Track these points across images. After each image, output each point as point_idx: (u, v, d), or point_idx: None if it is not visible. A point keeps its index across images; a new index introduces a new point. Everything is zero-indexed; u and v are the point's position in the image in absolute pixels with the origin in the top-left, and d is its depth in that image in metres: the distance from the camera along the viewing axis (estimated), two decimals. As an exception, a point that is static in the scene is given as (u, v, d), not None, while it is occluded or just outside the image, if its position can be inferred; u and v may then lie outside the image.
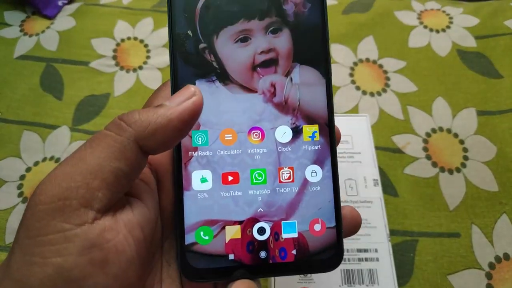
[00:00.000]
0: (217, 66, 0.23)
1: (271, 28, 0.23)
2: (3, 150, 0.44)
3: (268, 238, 0.22)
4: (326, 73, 0.23)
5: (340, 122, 0.22)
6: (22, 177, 0.42)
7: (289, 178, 0.23)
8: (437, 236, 0.39)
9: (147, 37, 0.53)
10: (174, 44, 0.22)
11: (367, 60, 0.51)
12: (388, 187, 0.41)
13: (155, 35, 0.53)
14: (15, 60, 0.51)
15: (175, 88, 0.22)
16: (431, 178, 0.42)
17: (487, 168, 0.42)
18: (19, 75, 0.50)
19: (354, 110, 0.46)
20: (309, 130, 0.23)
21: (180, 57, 0.22)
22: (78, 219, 0.16)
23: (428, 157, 0.43)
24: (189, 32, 0.23)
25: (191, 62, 0.22)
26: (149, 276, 0.21)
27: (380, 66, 0.50)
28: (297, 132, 0.23)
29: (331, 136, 0.23)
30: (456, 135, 0.44)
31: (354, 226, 0.23)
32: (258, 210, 0.23)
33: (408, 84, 0.48)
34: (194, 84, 0.22)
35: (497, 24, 0.52)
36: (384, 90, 0.48)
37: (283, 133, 0.23)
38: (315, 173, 0.23)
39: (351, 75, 0.49)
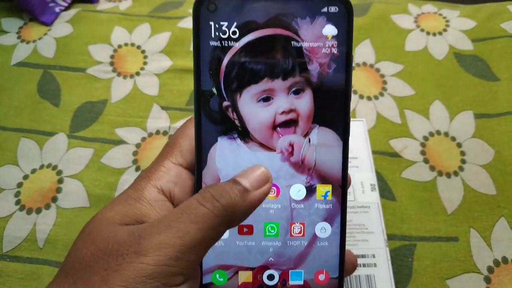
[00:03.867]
0: (238, 124, 0.24)
1: (293, 89, 0.23)
2: (0, 157, 0.44)
3: (276, 283, 0.25)
4: (344, 135, 0.24)
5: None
6: (20, 185, 0.42)
7: (300, 232, 0.24)
8: (435, 241, 0.39)
9: (144, 43, 0.53)
10: (199, 101, 0.23)
11: (364, 64, 0.51)
12: (386, 191, 0.41)
13: (152, 40, 0.53)
14: (13, 67, 0.51)
15: (199, 143, 0.23)
16: (429, 182, 0.42)
17: (485, 171, 0.42)
18: (16, 82, 0.50)
19: (351, 115, 0.46)
20: (322, 189, 0.24)
21: (205, 113, 0.23)
22: (172, 282, 0.19)
23: (426, 161, 0.43)
24: (214, 90, 0.23)
25: (215, 119, 0.23)
26: None
27: (377, 70, 0.50)
28: (311, 190, 0.24)
29: (343, 196, 0.24)
30: (453, 139, 0.44)
31: (352, 269, 0.26)
32: (269, 259, 0.25)
33: (405, 88, 0.48)
34: (216, 140, 0.24)
35: (494, 26, 0.52)
36: (381, 94, 0.48)
37: (298, 191, 0.24)
38: (324, 230, 0.25)
39: (348, 79, 0.49)
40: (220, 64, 0.23)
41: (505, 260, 0.37)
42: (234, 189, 0.21)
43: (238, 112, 0.23)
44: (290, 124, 0.24)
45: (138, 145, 0.45)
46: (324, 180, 0.24)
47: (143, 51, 0.52)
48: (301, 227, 0.24)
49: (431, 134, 0.45)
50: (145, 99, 0.48)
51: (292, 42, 0.23)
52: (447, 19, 0.54)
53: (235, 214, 0.21)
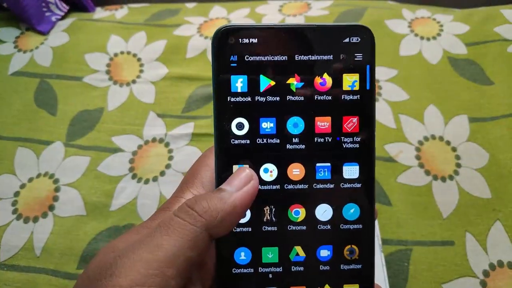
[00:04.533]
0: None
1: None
2: (-3, 166, 0.44)
3: None
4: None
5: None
6: (17, 194, 0.42)
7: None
8: (431, 245, 0.39)
9: (140, 51, 0.53)
10: (220, 133, 0.22)
11: (359, 69, 0.51)
12: (382, 196, 0.41)
13: (148, 48, 0.54)
14: (10, 77, 0.51)
15: (219, 173, 0.22)
16: (424, 187, 0.42)
17: (480, 175, 0.42)
18: (13, 92, 0.50)
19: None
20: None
21: (225, 145, 0.23)
22: None
23: (421, 165, 0.43)
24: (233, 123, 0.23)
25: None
26: None
27: (372, 75, 0.50)
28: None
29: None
30: (448, 143, 0.45)
31: None
32: None
33: (400, 93, 0.49)
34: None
35: (488, 31, 0.53)
36: (376, 99, 0.48)
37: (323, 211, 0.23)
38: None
39: (343, 84, 0.50)
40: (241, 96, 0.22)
41: (500, 264, 0.37)
42: (213, 196, 0.20)
43: None
44: None
45: (134, 153, 0.45)
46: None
47: (139, 59, 0.53)
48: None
49: (426, 138, 0.45)
50: (141, 107, 0.49)
51: (314, 76, 0.22)
52: (441, 23, 0.55)
53: (216, 219, 0.19)
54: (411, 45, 0.53)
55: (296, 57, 0.22)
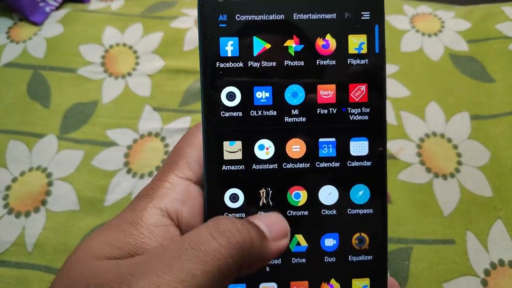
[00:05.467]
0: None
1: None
2: (-12, 160, 0.43)
3: None
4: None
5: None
6: (8, 188, 0.41)
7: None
8: (432, 243, 0.38)
9: (136, 43, 0.52)
10: (209, 104, 0.20)
11: (359, 65, 0.50)
12: (382, 193, 0.41)
13: (144, 41, 0.53)
14: (2, 68, 0.50)
15: (209, 152, 0.20)
16: (425, 184, 0.41)
17: (481, 173, 0.42)
18: (5, 83, 0.49)
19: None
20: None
21: (215, 118, 0.20)
22: None
23: (422, 163, 0.43)
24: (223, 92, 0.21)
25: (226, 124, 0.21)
26: None
27: (372, 70, 0.50)
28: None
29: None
30: (449, 140, 0.44)
31: None
32: None
33: (401, 89, 0.48)
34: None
35: (489, 28, 0.52)
36: (377, 95, 0.48)
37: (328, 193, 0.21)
38: None
39: (343, 80, 0.49)
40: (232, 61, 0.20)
41: (501, 262, 0.37)
42: (251, 229, 0.17)
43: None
44: None
45: (129, 147, 0.44)
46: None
47: (135, 52, 0.52)
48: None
49: (427, 135, 0.45)
50: (137, 100, 0.48)
51: (316, 41, 0.20)
52: (442, 20, 0.54)
53: (252, 259, 0.17)
54: (412, 41, 0.52)
55: (294, 15, 0.20)
